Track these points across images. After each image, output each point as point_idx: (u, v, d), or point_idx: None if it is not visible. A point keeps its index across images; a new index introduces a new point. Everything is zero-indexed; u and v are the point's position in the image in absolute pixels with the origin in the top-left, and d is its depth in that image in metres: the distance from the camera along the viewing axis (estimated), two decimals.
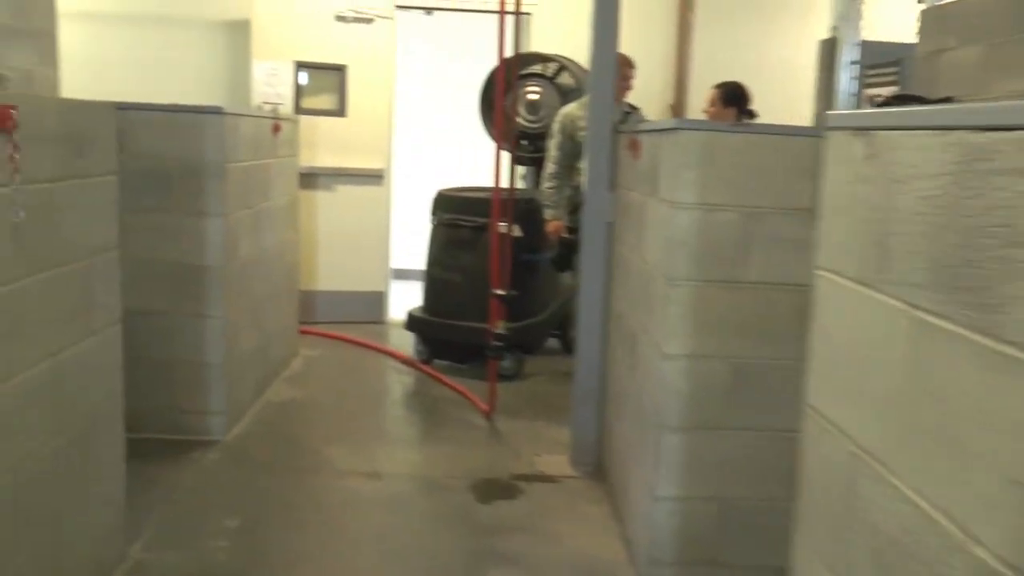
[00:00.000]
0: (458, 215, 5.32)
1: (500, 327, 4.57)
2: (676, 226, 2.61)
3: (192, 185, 3.86)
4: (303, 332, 5.91)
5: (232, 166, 3.97)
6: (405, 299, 6.75)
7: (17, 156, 2.16)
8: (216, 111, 3.84)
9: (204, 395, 4.01)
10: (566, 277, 5.42)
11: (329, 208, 6.34)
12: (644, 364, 3.01)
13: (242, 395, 4.32)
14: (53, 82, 5.35)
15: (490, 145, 6.23)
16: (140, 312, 3.95)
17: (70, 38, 6.34)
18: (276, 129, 4.80)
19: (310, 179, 6.20)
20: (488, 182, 4.91)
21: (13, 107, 2.17)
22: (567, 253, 4.89)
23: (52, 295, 2.36)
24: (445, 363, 5.51)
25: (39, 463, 2.30)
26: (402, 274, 7.67)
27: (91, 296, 2.59)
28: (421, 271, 5.82)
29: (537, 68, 5.86)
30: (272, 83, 6.18)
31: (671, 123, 2.72)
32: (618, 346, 3.55)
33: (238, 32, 6.51)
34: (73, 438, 2.50)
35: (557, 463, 4.02)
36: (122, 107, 3.96)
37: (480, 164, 7.90)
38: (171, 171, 3.87)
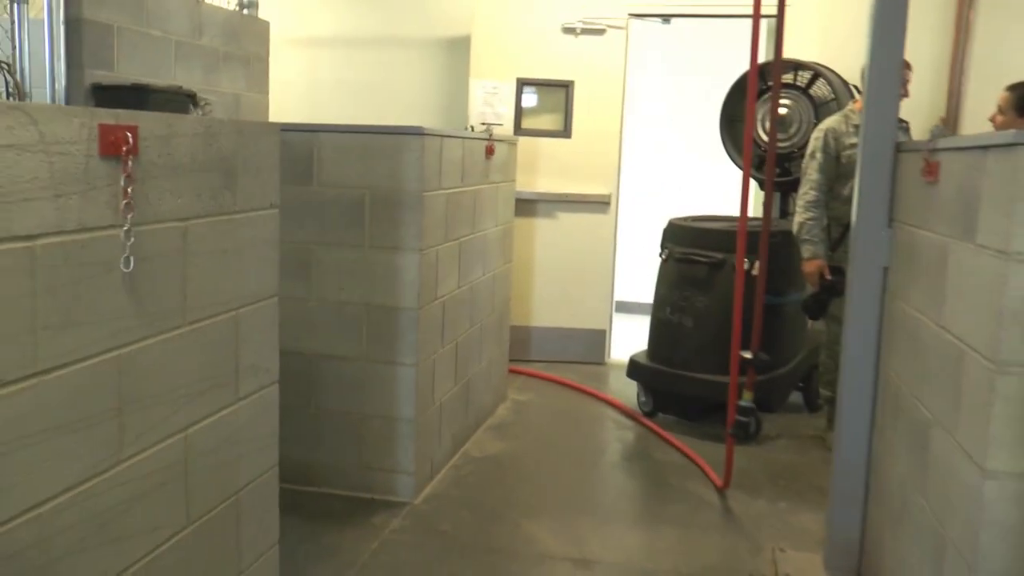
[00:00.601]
0: (692, 249, 4.60)
1: (746, 398, 3.81)
2: (1013, 289, 1.79)
3: (386, 216, 3.43)
4: (513, 371, 5.41)
5: (432, 194, 3.51)
6: (628, 337, 6.10)
7: (131, 189, 1.74)
8: (415, 132, 3.39)
9: (393, 452, 3.56)
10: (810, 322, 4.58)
11: (548, 237, 5.82)
12: (942, 472, 2.18)
13: (437, 450, 3.84)
14: (262, 106, 5.19)
15: (730, 167, 5.48)
16: (325, 356, 3.57)
17: (288, 63, 6.26)
18: (489, 152, 4.33)
19: (529, 206, 5.72)
20: (726, 210, 4.15)
21: (131, 127, 1.75)
22: (825, 298, 4.05)
23: (182, 358, 1.92)
24: (672, 418, 4.80)
25: (167, 556, 1.86)
26: (625, 307, 7.02)
27: (236, 356, 2.14)
28: (646, 305, 5.16)
29: (788, 77, 5.04)
30: (491, 102, 5.75)
31: (1005, 137, 1.89)
32: (894, 431, 2.71)
33: (457, 50, 6.17)
34: (212, 525, 2.06)
35: (807, 564, 3.21)
36: (311, 129, 3.64)
37: (718, 190, 7.17)
38: (363, 200, 3.46)
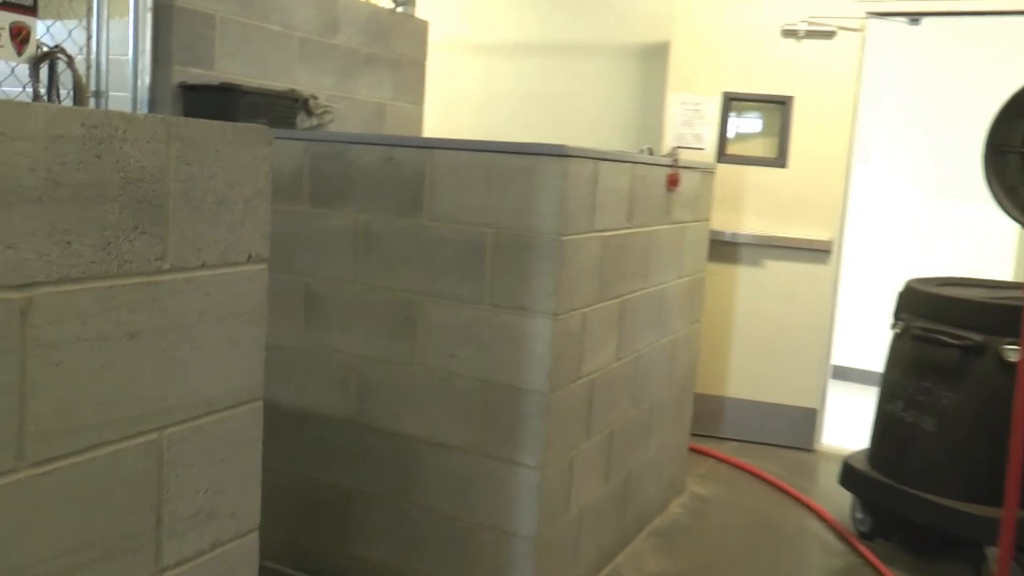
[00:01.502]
0: (938, 325, 3.38)
1: None
2: None
3: (513, 264, 2.54)
4: (696, 451, 4.36)
5: (578, 238, 2.58)
6: (846, 418, 4.88)
7: None
8: (555, 152, 2.47)
9: (506, 574, 2.65)
10: None
11: (751, 290, 4.71)
12: None
13: (572, 569, 2.89)
14: (414, 119, 4.46)
15: (994, 212, 4.17)
16: (427, 442, 2.71)
17: (462, 72, 5.53)
18: (672, 182, 3.34)
19: (727, 250, 4.65)
20: (987, 272, 2.95)
21: None
22: None
23: (29, 517, 1.11)
24: (897, 547, 3.59)
25: None
26: (844, 374, 5.76)
27: (159, 502, 1.31)
28: (872, 373, 3.96)
29: None
30: (691, 121, 4.75)
31: None
32: None
33: (654, 58, 5.20)
34: None
35: None
36: (421, 145, 2.80)
37: (975, 242, 5.77)
38: (484, 241, 2.58)
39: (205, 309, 1.35)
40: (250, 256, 1.42)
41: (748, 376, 4.74)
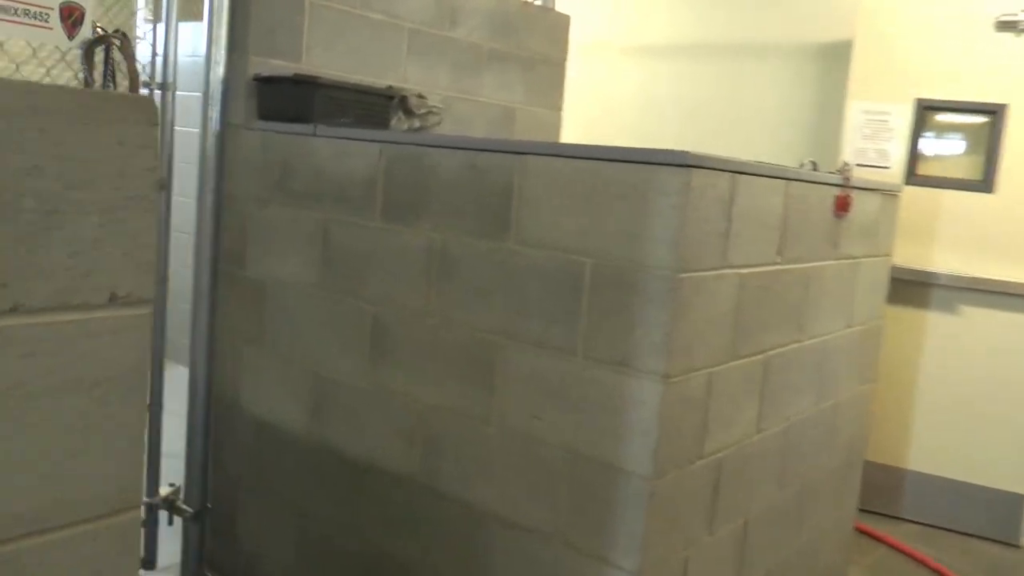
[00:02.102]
0: None
1: None
2: None
3: (614, 306, 1.94)
4: (863, 532, 3.58)
5: (702, 276, 1.94)
6: None
7: None
8: (675, 160, 1.85)
9: None
10: None
11: (943, 342, 3.86)
12: None
13: None
14: (550, 125, 3.91)
15: None
16: (501, 519, 2.15)
17: (618, 78, 4.96)
18: (842, 206, 2.63)
19: (914, 292, 3.83)
20: None
21: None
22: None
23: None
24: None
25: None
26: None
27: None
28: None
29: None
30: (875, 134, 3.96)
31: None
32: None
33: (833, 60, 4.44)
34: None
35: None
36: (510, 150, 2.23)
37: None
38: (581, 275, 1.99)
39: (24, 378, 0.84)
40: (113, 296, 0.90)
41: (936, 447, 3.88)
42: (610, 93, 5.07)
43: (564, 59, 4.00)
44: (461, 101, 3.44)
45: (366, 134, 2.42)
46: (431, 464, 2.34)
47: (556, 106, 4.00)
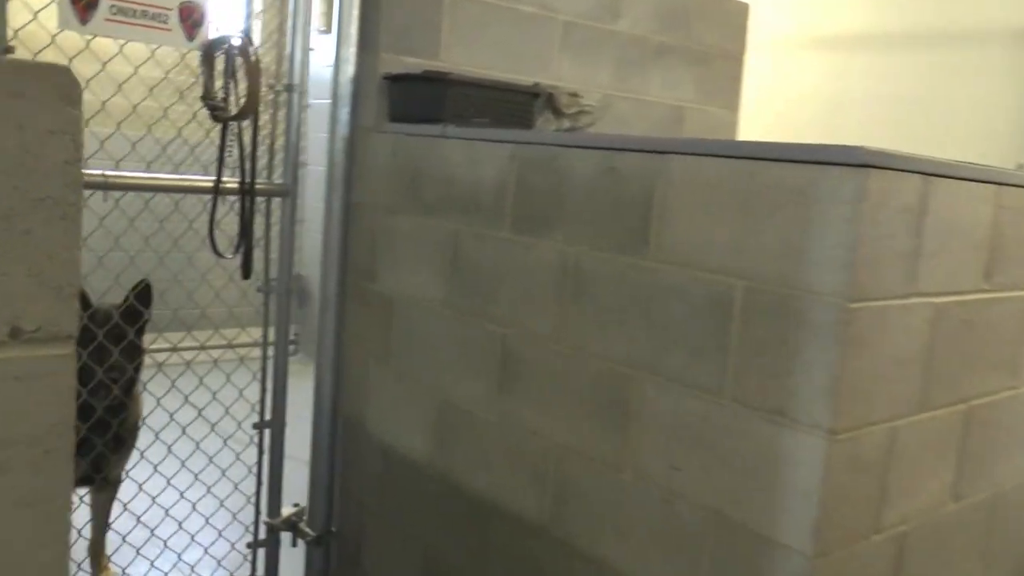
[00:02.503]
0: None
1: None
2: None
3: (770, 340, 1.58)
4: None
5: (878, 306, 1.55)
6: None
7: None
8: (848, 159, 1.47)
9: None
10: None
11: None
12: None
13: None
14: (725, 126, 3.54)
15: None
16: None
17: (798, 72, 4.51)
18: None
19: None
20: None
21: None
22: None
23: None
24: None
25: None
26: None
27: None
28: None
29: None
30: None
31: None
32: None
33: None
34: None
35: None
36: (652, 148, 1.90)
37: None
38: (730, 300, 1.65)
39: None
40: (16, 331, 0.67)
41: None
42: (790, 91, 4.61)
43: (742, 52, 3.60)
44: (623, 100, 3.14)
45: (495, 134, 2.17)
46: (560, 511, 2.05)
47: (732, 105, 3.61)
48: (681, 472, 1.76)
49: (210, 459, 2.68)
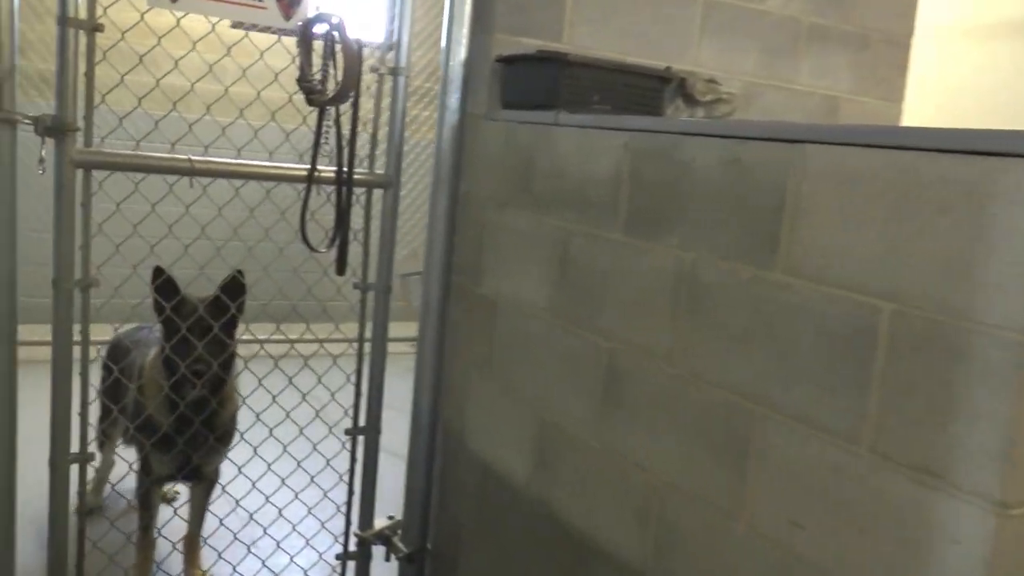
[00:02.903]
0: None
1: None
2: None
3: (923, 378, 1.24)
4: None
5: None
6: None
7: None
8: None
9: None
10: None
11: None
12: None
13: None
14: (884, 117, 3.12)
15: None
16: None
17: (976, 61, 4.00)
18: None
19: None
20: None
21: None
22: None
23: None
24: None
25: None
26: None
27: None
28: None
29: None
30: None
31: None
32: None
33: None
34: None
35: None
36: (782, 137, 1.55)
37: None
38: (874, 325, 1.32)
39: None
40: None
41: None
42: (956, 82, 4.09)
43: (908, 37, 3.16)
44: (769, 89, 2.79)
45: (607, 120, 1.90)
46: (662, 558, 1.76)
47: (894, 96, 3.18)
48: (803, 531, 1.44)
49: (298, 463, 2.53)
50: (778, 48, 2.82)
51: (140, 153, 2.05)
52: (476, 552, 2.42)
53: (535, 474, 2.16)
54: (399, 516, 2.59)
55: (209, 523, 2.64)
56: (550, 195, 2.11)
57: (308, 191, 2.24)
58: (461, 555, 2.49)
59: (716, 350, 1.63)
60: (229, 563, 2.59)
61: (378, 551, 2.60)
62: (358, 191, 2.37)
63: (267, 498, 2.56)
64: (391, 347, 2.54)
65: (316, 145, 2.20)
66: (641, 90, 2.26)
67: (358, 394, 2.53)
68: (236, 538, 2.53)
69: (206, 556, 2.70)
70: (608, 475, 1.91)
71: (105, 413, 2.74)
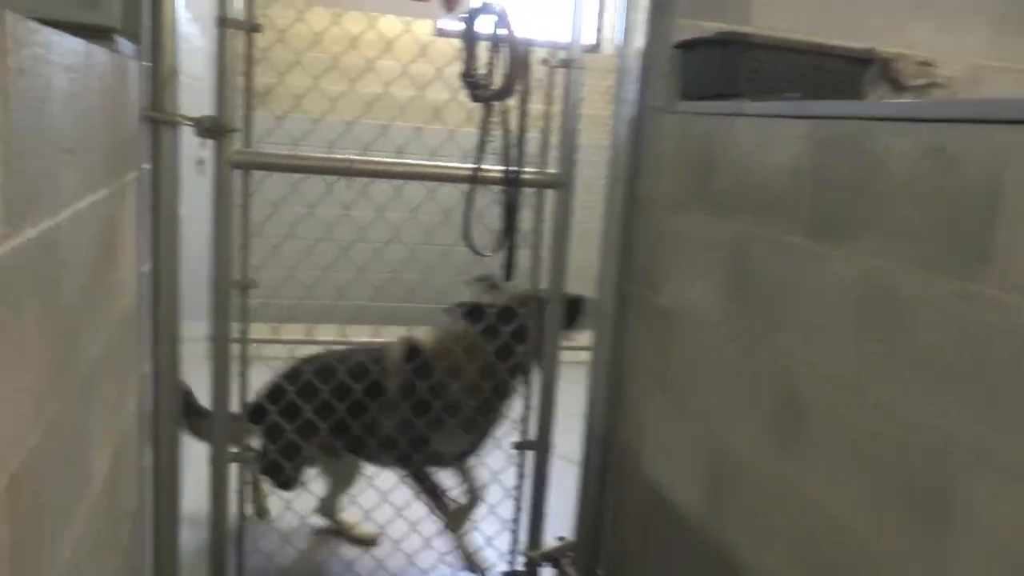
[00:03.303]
0: None
1: None
2: None
3: None
4: None
5: None
6: None
7: None
8: None
9: None
10: None
11: None
12: None
13: None
14: None
15: None
16: None
17: None
18: None
19: None
20: None
21: None
22: None
23: None
24: None
25: None
26: None
27: None
28: None
29: None
30: None
31: None
32: None
33: None
34: None
35: None
36: (981, 117, 1.20)
37: None
38: None
39: None
40: None
41: None
42: None
43: None
44: (1001, 72, 2.37)
45: (788, 108, 1.64)
46: None
47: None
48: None
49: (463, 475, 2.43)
50: (1013, 23, 2.39)
51: (298, 153, 2.02)
52: None
53: (709, 509, 1.92)
54: (572, 535, 2.42)
55: (368, 527, 2.60)
56: (727, 195, 1.87)
57: (472, 191, 2.13)
58: None
59: (912, 380, 1.34)
60: (389, 571, 2.52)
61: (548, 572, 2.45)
62: (528, 192, 2.23)
63: (431, 509, 2.48)
64: (567, 356, 2.38)
65: (481, 143, 2.08)
66: (835, 75, 1.96)
67: (527, 407, 2.39)
68: (397, 547, 2.46)
69: (367, 562, 2.62)
70: (786, 519, 1.65)
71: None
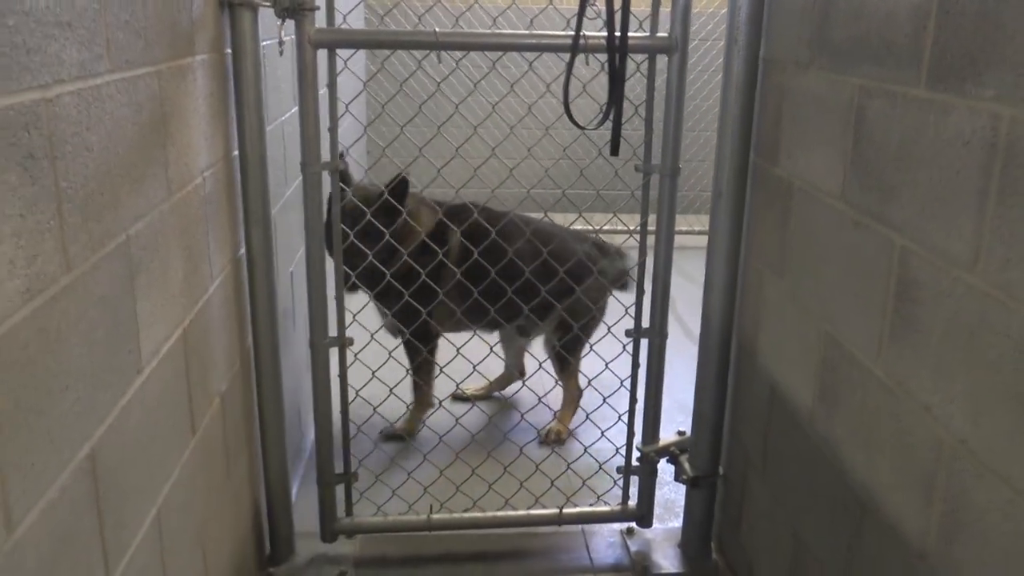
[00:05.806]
0: None
1: None
2: None
3: None
4: None
5: None
6: None
7: None
8: None
9: None
10: None
11: None
12: None
13: None
14: None
15: None
16: None
17: None
18: None
19: None
20: None
21: None
22: None
23: None
24: None
25: None
26: None
27: None
28: None
29: None
30: None
31: None
32: None
33: None
34: None
35: None
36: None
37: None
38: None
39: None
40: None
41: None
42: None
43: None
44: None
45: None
46: (952, 544, 1.27)
47: None
48: None
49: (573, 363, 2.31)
50: None
51: (381, 29, 1.90)
52: (758, 487, 2.03)
53: (818, 405, 1.71)
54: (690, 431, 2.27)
55: (479, 419, 2.55)
56: (848, 43, 1.58)
57: (572, 59, 1.94)
58: (747, 487, 2.12)
59: None
60: (500, 463, 2.44)
61: (668, 466, 2.31)
62: (636, 58, 2.01)
63: (539, 399, 2.38)
64: (684, 240, 2.18)
65: (581, 6, 1.88)
66: None
67: (640, 292, 2.22)
68: (507, 437, 2.40)
69: (477, 447, 2.54)
70: (893, 419, 1.43)
71: None
